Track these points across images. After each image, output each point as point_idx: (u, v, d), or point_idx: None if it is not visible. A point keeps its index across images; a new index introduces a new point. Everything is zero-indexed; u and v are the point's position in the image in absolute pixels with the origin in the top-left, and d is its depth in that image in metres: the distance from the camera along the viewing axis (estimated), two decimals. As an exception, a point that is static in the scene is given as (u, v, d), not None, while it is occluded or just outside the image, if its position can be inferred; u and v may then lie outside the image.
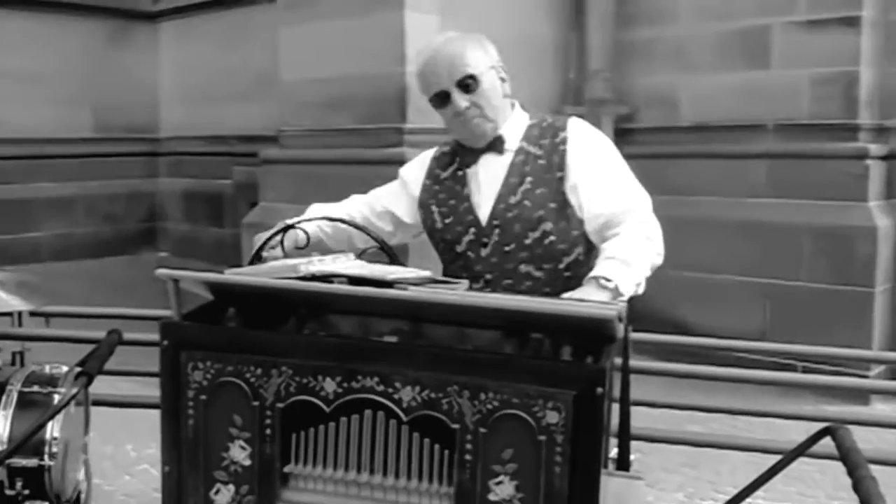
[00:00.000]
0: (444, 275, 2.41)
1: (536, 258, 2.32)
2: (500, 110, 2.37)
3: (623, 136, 6.46)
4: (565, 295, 2.11)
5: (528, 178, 2.33)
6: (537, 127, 2.40)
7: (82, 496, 3.03)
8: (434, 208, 2.44)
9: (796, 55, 5.96)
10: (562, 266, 2.33)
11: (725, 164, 6.22)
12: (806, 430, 1.83)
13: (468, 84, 2.30)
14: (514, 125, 2.40)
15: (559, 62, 6.78)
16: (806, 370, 5.09)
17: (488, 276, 2.34)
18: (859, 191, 5.73)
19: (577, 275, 2.31)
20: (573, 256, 2.34)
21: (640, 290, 2.24)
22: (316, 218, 2.49)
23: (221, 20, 8.83)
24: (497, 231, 2.34)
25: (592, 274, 2.16)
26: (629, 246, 2.22)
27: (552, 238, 2.31)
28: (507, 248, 2.33)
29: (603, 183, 2.31)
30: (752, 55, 6.16)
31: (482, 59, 2.33)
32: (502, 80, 2.38)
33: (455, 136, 2.45)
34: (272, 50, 6.83)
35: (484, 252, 2.35)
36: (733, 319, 5.91)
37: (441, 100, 2.34)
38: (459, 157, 2.44)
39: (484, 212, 2.36)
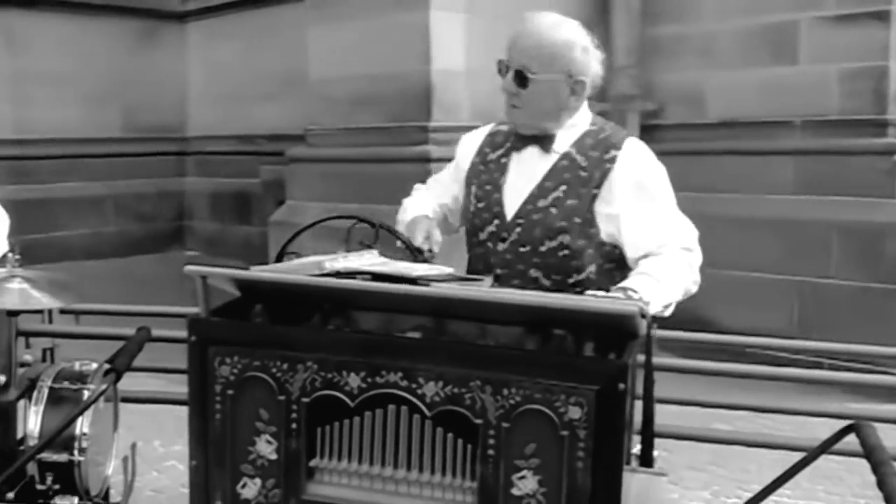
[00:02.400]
0: (469, 262, 2.43)
1: (547, 267, 2.29)
2: (549, 117, 2.32)
3: (649, 132, 6.42)
4: (588, 292, 2.10)
5: (563, 187, 2.29)
6: (593, 136, 2.34)
7: (111, 491, 3.07)
8: (473, 188, 2.43)
9: (824, 50, 5.90)
10: (571, 281, 2.30)
11: (752, 160, 6.17)
12: (833, 427, 1.82)
13: (521, 77, 2.27)
14: (571, 130, 2.35)
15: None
16: (833, 367, 5.04)
17: (499, 272, 2.33)
18: (889, 187, 5.67)
19: (585, 291, 2.24)
20: (584, 275, 2.30)
21: (668, 313, 2.20)
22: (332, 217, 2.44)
23: (249, 20, 8.89)
24: (518, 230, 2.33)
25: (621, 285, 2.13)
26: (664, 266, 2.19)
27: (566, 252, 2.28)
28: (522, 249, 2.32)
29: (647, 217, 2.25)
30: (779, 50, 6.11)
31: (555, 62, 2.26)
32: (573, 91, 2.30)
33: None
34: (300, 49, 6.87)
35: (501, 247, 2.34)
36: (761, 317, 5.87)
37: (500, 69, 2.32)
38: (512, 140, 2.41)
39: (511, 207, 2.35)
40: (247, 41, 8.87)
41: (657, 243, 2.23)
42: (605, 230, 2.28)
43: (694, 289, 2.26)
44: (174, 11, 9.69)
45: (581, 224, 2.27)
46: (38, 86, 8.61)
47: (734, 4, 6.33)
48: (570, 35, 2.29)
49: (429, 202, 2.57)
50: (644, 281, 2.13)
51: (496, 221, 2.36)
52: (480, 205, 2.40)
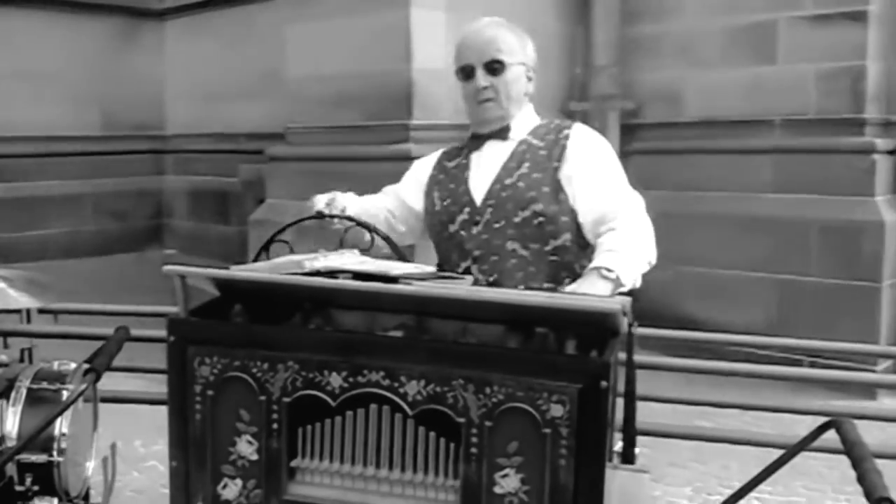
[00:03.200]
0: (440, 257, 2.52)
1: (523, 237, 2.38)
2: (515, 103, 2.47)
3: (629, 131, 6.46)
4: (568, 288, 2.13)
5: (526, 164, 2.42)
6: (545, 127, 2.50)
7: (91, 491, 3.05)
8: (436, 193, 2.54)
9: (803, 50, 5.95)
10: (548, 248, 2.38)
11: (732, 159, 6.21)
12: (813, 424, 1.83)
13: (494, 67, 2.41)
14: (523, 121, 2.51)
15: (565, 58, 6.78)
16: (813, 365, 5.09)
17: (476, 254, 2.41)
18: (866, 185, 5.72)
19: (563, 260, 2.38)
20: (560, 241, 2.39)
21: (637, 284, 2.29)
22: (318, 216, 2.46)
23: (228, 18, 8.85)
24: (490, 210, 2.41)
25: (593, 265, 2.23)
26: (627, 240, 2.28)
27: (541, 219, 2.37)
28: (496, 225, 2.39)
29: (598, 180, 2.39)
30: (758, 50, 6.15)
31: (516, 52, 2.44)
32: (528, 78, 2.49)
33: (467, 114, 2.54)
34: (279, 47, 6.84)
35: (475, 230, 2.42)
36: (741, 314, 5.91)
37: (466, 74, 2.45)
38: (469, 146, 2.55)
39: (480, 192, 2.44)
40: (226, 39, 8.83)
41: (607, 206, 2.34)
42: (571, 194, 2.38)
43: (653, 259, 2.35)
44: (153, 9, 9.64)
45: (550, 192, 2.37)
46: (16, 83, 8.54)
47: (714, 4, 6.36)
48: (511, 28, 2.48)
49: (369, 198, 2.66)
50: (615, 258, 2.23)
51: (467, 209, 2.44)
52: (446, 202, 2.50)
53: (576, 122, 2.54)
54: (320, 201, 2.46)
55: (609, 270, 2.19)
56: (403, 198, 2.64)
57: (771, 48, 6.10)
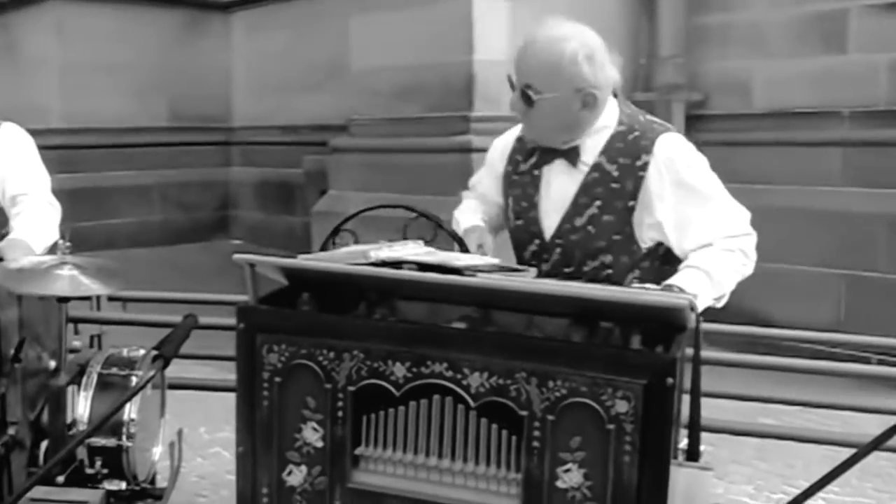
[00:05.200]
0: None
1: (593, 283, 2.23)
2: (563, 131, 2.25)
3: (695, 122, 6.36)
4: (636, 284, 2.08)
5: (598, 202, 2.23)
6: (622, 138, 2.24)
7: (157, 476, 3.12)
8: (510, 201, 2.40)
9: (874, 40, 5.78)
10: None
11: (800, 151, 6.07)
12: (881, 423, 1.79)
13: (525, 96, 2.21)
14: (596, 135, 2.26)
15: (630, 48, 6.69)
16: (881, 362, 4.96)
17: None
18: (938, 179, 5.55)
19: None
20: (628, 282, 2.23)
21: (720, 304, 2.16)
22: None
23: (292, 10, 8.93)
24: (558, 251, 2.29)
25: (669, 281, 2.10)
26: (715, 257, 2.14)
27: (610, 271, 2.25)
28: (566, 270, 2.28)
29: (691, 219, 2.19)
30: (827, 40, 6.00)
31: (558, 81, 2.17)
32: (585, 104, 2.20)
33: None
34: (343, 40, 6.89)
35: (545, 267, 2.31)
36: (808, 310, 5.79)
37: (510, 86, 2.27)
38: (539, 151, 2.34)
39: (549, 225, 2.30)
40: (290, 32, 8.92)
41: (706, 241, 2.18)
42: (648, 237, 2.24)
43: (749, 271, 2.22)
44: (219, 2, 9.78)
45: (621, 240, 2.23)
46: (86, 76, 8.74)
47: (783, -8, 6.23)
48: (573, 48, 2.16)
49: (476, 209, 2.56)
50: (692, 275, 2.10)
51: (536, 241, 2.34)
52: (519, 222, 2.37)
53: (659, 135, 2.24)
54: (472, 245, 2.33)
55: (681, 290, 2.02)
56: (487, 195, 2.54)
57: (841, 38, 5.94)
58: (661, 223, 2.20)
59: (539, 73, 2.18)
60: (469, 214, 2.53)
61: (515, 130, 2.44)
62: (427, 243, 2.13)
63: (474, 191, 2.63)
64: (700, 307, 1.99)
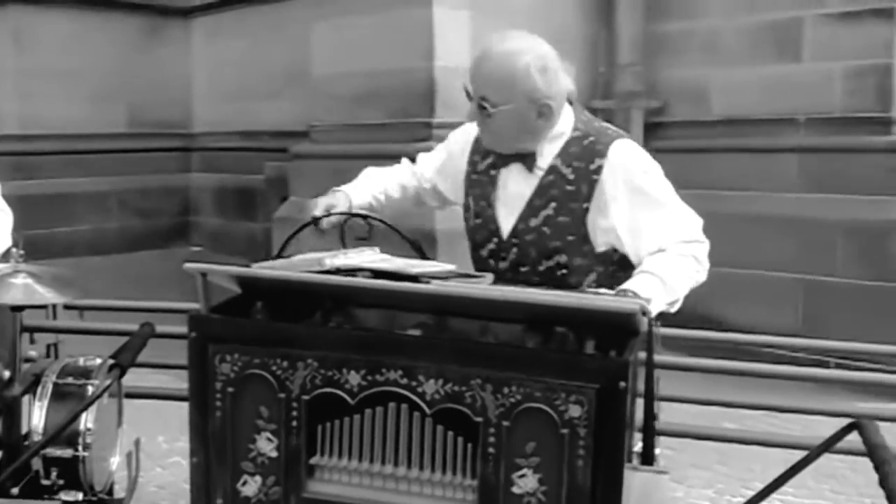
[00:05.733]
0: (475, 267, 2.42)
1: (550, 283, 2.26)
2: (520, 139, 2.28)
3: (653, 130, 6.42)
4: (590, 290, 2.10)
5: (553, 204, 2.26)
6: (577, 143, 2.28)
7: (115, 486, 3.08)
8: (470, 200, 2.44)
9: (828, 48, 5.88)
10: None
11: (756, 158, 6.16)
12: (839, 426, 1.81)
13: (482, 107, 2.23)
14: (552, 141, 2.29)
15: (589, 56, 6.75)
16: (839, 366, 5.03)
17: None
18: (893, 185, 5.64)
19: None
20: (587, 284, 2.29)
21: (674, 309, 2.18)
22: (345, 213, 2.46)
23: (253, 16, 8.89)
24: (514, 250, 2.32)
25: (623, 286, 2.11)
26: (669, 263, 2.16)
27: (565, 271, 2.27)
28: (522, 269, 2.32)
29: (645, 223, 2.22)
30: (783, 48, 6.10)
31: (513, 92, 2.20)
32: (540, 114, 2.23)
33: None
34: (304, 46, 6.87)
35: (502, 265, 2.34)
36: (766, 315, 5.86)
37: (467, 95, 2.29)
38: (495, 153, 2.38)
39: (506, 225, 2.34)
40: (251, 38, 8.88)
41: (659, 245, 2.20)
42: (602, 241, 2.26)
43: (703, 277, 2.24)
44: (179, 7, 9.70)
45: (575, 241, 2.26)
46: (43, 82, 8.63)
47: (739, 1, 6.31)
48: (525, 62, 2.18)
49: (375, 185, 2.61)
50: (645, 280, 2.11)
51: (494, 239, 2.37)
52: (478, 220, 2.41)
53: (613, 140, 2.27)
54: (318, 206, 2.41)
55: (634, 294, 2.03)
56: (437, 185, 2.56)
57: (796, 46, 6.04)
58: (615, 227, 2.23)
59: (494, 85, 2.21)
60: (368, 181, 2.61)
61: (473, 130, 2.44)
62: (363, 241, 2.15)
63: (416, 165, 2.65)
64: (653, 311, 2.01)
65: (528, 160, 2.30)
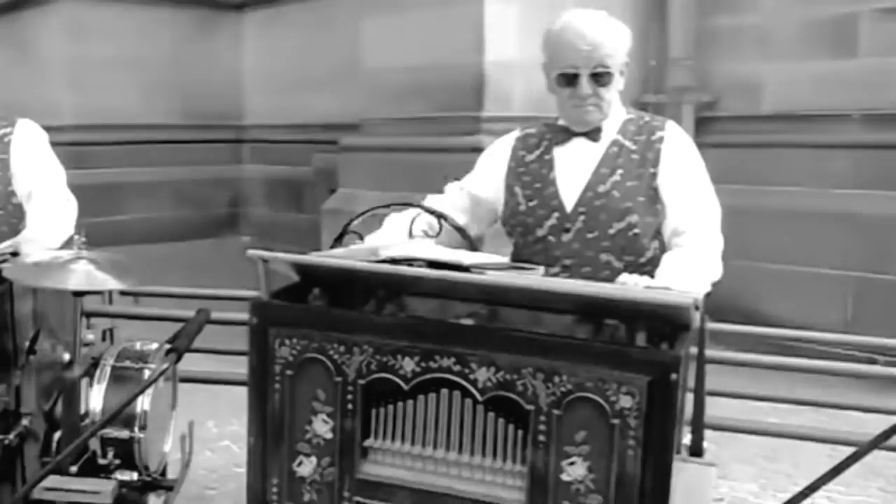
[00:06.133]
0: (516, 261, 2.40)
1: (619, 249, 2.31)
2: (613, 104, 2.37)
3: (704, 124, 6.37)
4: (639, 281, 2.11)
5: (619, 171, 2.33)
6: (634, 123, 2.39)
7: (168, 468, 3.16)
8: (518, 190, 2.43)
9: (885, 43, 5.79)
10: (643, 260, 2.33)
11: (809, 153, 6.08)
12: (889, 424, 1.81)
13: (601, 76, 2.29)
14: (613, 117, 2.39)
15: (640, 50, 6.69)
16: (889, 364, 4.96)
17: (566, 262, 2.34)
18: (948, 182, 5.55)
19: (655, 271, 2.29)
20: (652, 252, 2.34)
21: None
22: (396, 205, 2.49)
23: (305, 10, 8.99)
24: (582, 218, 2.33)
25: (649, 283, 2.15)
26: (687, 261, 2.25)
27: (637, 231, 2.31)
28: (590, 236, 2.32)
29: (686, 192, 2.33)
30: (838, 43, 6.01)
31: (619, 53, 2.31)
32: (621, 73, 2.35)
33: (562, 117, 2.42)
34: (354, 40, 6.93)
35: (566, 237, 2.34)
36: (816, 311, 5.79)
37: (567, 80, 2.31)
38: (549, 137, 2.43)
39: (570, 198, 2.35)
40: (302, 31, 8.97)
41: (686, 221, 2.30)
42: (666, 203, 2.34)
43: (717, 276, 2.31)
44: (232, 2, 9.83)
45: (645, 202, 2.32)
46: (98, 73, 8.81)
47: (793, -4, 6.24)
48: (614, 25, 2.33)
49: (453, 197, 2.57)
50: (672, 277, 2.17)
51: (556, 214, 2.36)
52: (532, 203, 2.40)
53: (666, 120, 2.43)
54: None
55: (666, 290, 2.08)
56: (474, 192, 2.54)
57: (851, 41, 5.95)
58: (666, 186, 2.33)
59: (613, 51, 2.29)
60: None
61: (512, 136, 2.53)
62: (433, 239, 2.18)
63: (462, 189, 2.59)
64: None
65: (593, 133, 2.37)
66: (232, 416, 4.13)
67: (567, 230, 2.35)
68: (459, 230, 2.39)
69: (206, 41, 9.58)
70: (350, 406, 1.83)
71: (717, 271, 2.31)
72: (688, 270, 2.21)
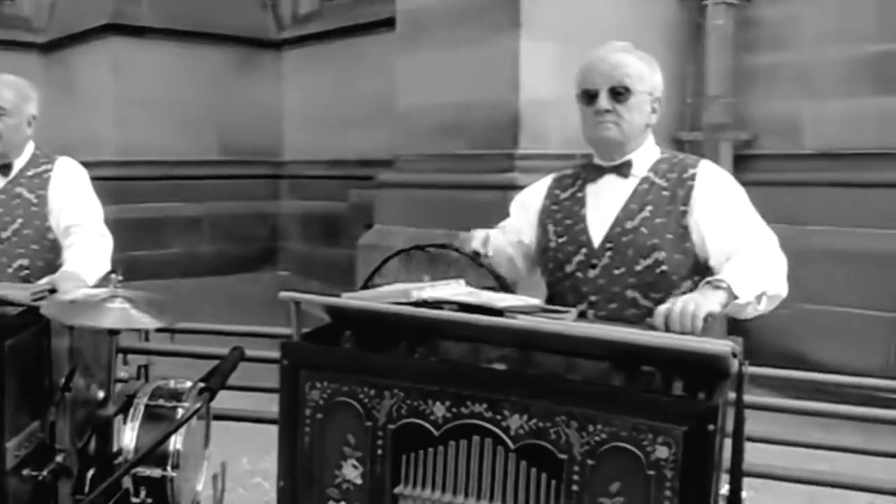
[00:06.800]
0: (548, 297, 2.41)
1: (645, 286, 2.29)
2: (637, 132, 2.38)
3: (743, 162, 6.31)
4: (679, 300, 2.05)
5: (649, 207, 2.33)
6: (667, 161, 2.41)
7: (201, 506, 3.15)
8: (550, 227, 2.44)
9: (926, 81, 5.72)
10: (669, 298, 2.29)
11: (850, 192, 5.99)
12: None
13: (619, 92, 2.33)
14: (644, 154, 2.41)
15: (677, 88, 6.69)
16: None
17: (592, 298, 2.32)
18: None
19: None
20: (681, 290, 2.29)
21: (761, 307, 2.19)
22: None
23: (342, 49, 9.10)
24: (609, 254, 2.32)
25: (707, 279, 2.14)
26: (752, 260, 2.20)
27: (664, 268, 2.28)
28: (616, 272, 2.31)
29: (728, 222, 2.29)
30: (878, 81, 5.94)
31: (644, 80, 2.35)
32: (653, 109, 2.39)
33: (586, 138, 2.45)
34: (390, 77, 6.98)
35: (592, 273, 2.33)
36: (857, 355, 5.67)
37: (588, 97, 2.37)
38: (583, 176, 2.46)
39: (598, 233, 2.36)
40: (339, 69, 9.08)
41: (741, 244, 2.25)
42: (698, 240, 2.31)
43: (784, 291, 2.25)
44: (271, 40, 9.99)
45: (674, 240, 2.29)
46: (140, 110, 8.97)
47: (832, 33, 6.18)
48: (643, 57, 2.39)
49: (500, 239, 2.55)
50: (732, 272, 2.13)
51: (584, 250, 2.36)
52: (562, 239, 2.41)
53: (700, 158, 2.43)
54: (476, 239, 2.36)
55: (721, 281, 2.09)
56: (516, 231, 2.55)
57: (893, 78, 5.89)
58: (700, 222, 2.29)
59: (633, 72, 2.34)
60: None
61: (548, 178, 2.55)
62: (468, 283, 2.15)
63: (502, 230, 2.59)
64: (742, 299, 2.08)
65: (623, 168, 2.39)
66: (264, 452, 4.11)
67: (594, 266, 2.34)
68: (492, 273, 2.37)
69: (245, 78, 9.72)
70: (380, 451, 1.81)
71: (783, 283, 2.24)
72: (746, 269, 2.16)
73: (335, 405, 1.84)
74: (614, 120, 2.34)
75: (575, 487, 1.67)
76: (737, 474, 2.08)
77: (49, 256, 3.05)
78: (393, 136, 7.00)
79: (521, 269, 2.56)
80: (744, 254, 2.23)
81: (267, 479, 4.02)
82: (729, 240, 2.27)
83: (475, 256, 2.34)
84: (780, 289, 2.24)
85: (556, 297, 2.40)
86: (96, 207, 3.15)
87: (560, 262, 2.40)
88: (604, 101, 2.33)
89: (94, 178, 3.20)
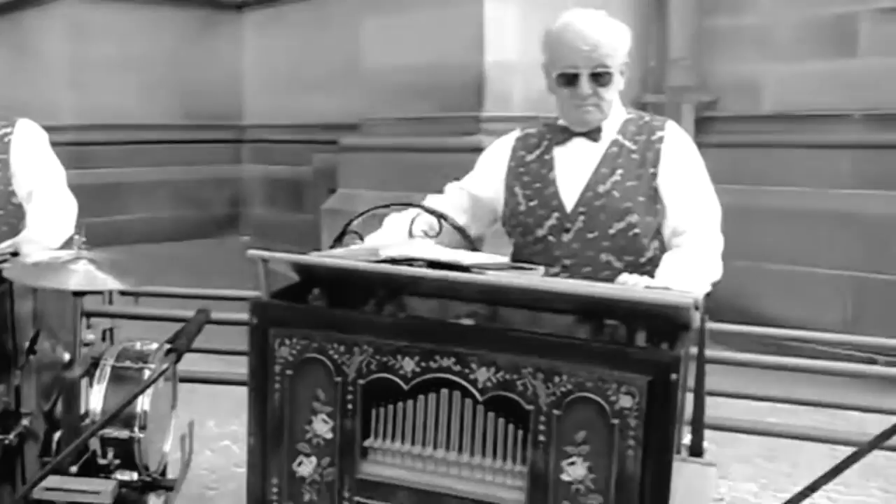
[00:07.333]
0: (515, 261, 2.39)
1: (619, 249, 2.32)
2: (613, 104, 2.38)
3: (704, 124, 6.37)
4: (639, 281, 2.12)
5: (619, 171, 2.34)
6: (634, 123, 2.41)
7: (168, 468, 3.16)
8: (518, 190, 2.43)
9: (884, 43, 5.79)
10: (643, 260, 2.34)
11: (809, 153, 6.08)
12: (889, 424, 1.81)
13: (601, 76, 2.30)
14: (612, 117, 2.40)
15: (639, 51, 6.69)
16: (889, 364, 4.97)
17: (566, 262, 2.34)
18: (949, 182, 5.55)
19: (655, 271, 2.30)
20: (652, 252, 2.35)
21: None
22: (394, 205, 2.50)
23: (304, 10, 9.00)
24: (582, 218, 2.34)
25: (649, 283, 2.16)
26: (687, 261, 2.26)
27: (637, 231, 2.31)
28: (590, 236, 2.33)
29: (685, 192, 2.34)
30: (838, 43, 6.01)
31: (619, 54, 2.32)
32: (622, 73, 2.35)
33: (562, 117, 2.43)
34: (354, 40, 6.94)
35: (566, 237, 2.35)
36: (815, 311, 5.79)
37: (567, 80, 2.33)
38: (549, 137, 2.44)
39: (570, 198, 2.36)
40: (302, 32, 8.98)
41: (686, 220, 2.31)
42: (666, 203, 2.35)
43: (716, 277, 2.32)
44: (232, 2, 9.84)
45: (645, 202, 2.32)
46: (98, 73, 8.82)
47: (793, -4, 6.24)
48: (614, 25, 2.34)
49: (453, 197, 2.56)
50: (672, 278, 2.18)
51: (556, 214, 2.37)
52: (532, 203, 2.40)
53: (666, 119, 2.44)
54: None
55: (666, 290, 2.09)
56: (473, 192, 2.53)
57: (851, 41, 5.95)
58: (661, 185, 2.33)
59: (610, 46, 2.30)
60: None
61: (511, 136, 2.53)
62: (433, 239, 2.18)
63: (462, 189, 2.58)
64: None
65: (593, 133, 2.38)
66: (232, 415, 4.13)
67: (567, 230, 2.35)
68: (459, 230, 2.39)
69: (206, 41, 9.59)
70: (350, 406, 1.83)
71: (718, 271, 2.32)
72: (688, 270, 2.22)
73: (305, 362, 1.86)
74: (595, 103, 2.33)
75: (542, 437, 1.71)
76: (698, 425, 2.14)
77: (12, 221, 3.01)
78: (357, 100, 6.96)
79: (470, 227, 2.51)
80: (686, 246, 2.30)
81: (235, 442, 4.04)
82: (681, 218, 2.33)
83: (441, 216, 2.37)
84: (714, 276, 2.31)
85: (525, 260, 2.38)
86: (59, 170, 3.11)
87: (531, 226, 2.40)
88: (586, 87, 2.30)
89: (51, 143, 3.16)
